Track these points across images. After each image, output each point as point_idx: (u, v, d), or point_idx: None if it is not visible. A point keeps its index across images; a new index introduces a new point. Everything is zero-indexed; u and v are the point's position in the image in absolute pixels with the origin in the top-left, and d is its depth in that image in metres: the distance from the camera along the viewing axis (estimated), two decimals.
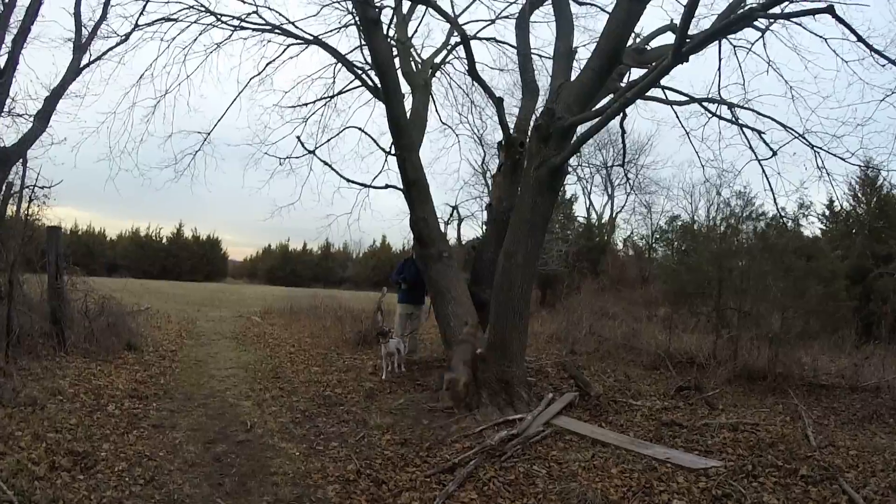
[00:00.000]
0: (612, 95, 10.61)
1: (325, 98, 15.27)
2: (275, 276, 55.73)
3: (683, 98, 11.96)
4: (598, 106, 9.37)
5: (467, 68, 10.30)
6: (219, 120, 14.14)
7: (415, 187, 10.47)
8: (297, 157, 13.62)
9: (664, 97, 11.87)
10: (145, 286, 31.24)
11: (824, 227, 24.74)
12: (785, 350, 12.30)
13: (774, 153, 11.37)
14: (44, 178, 12.40)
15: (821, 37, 10.42)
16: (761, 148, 11.82)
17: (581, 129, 9.47)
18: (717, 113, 12.16)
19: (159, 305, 21.54)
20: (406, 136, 10.55)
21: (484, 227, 22.53)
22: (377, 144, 12.46)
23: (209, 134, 14.11)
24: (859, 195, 22.60)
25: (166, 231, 55.13)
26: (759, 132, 11.40)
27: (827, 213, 24.10)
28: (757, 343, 13.08)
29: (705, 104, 11.98)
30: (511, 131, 11.26)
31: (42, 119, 13.56)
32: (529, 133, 9.62)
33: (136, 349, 12.56)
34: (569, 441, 7.76)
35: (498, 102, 10.55)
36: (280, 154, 13.77)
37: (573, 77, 10.03)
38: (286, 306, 22.66)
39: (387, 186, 11.51)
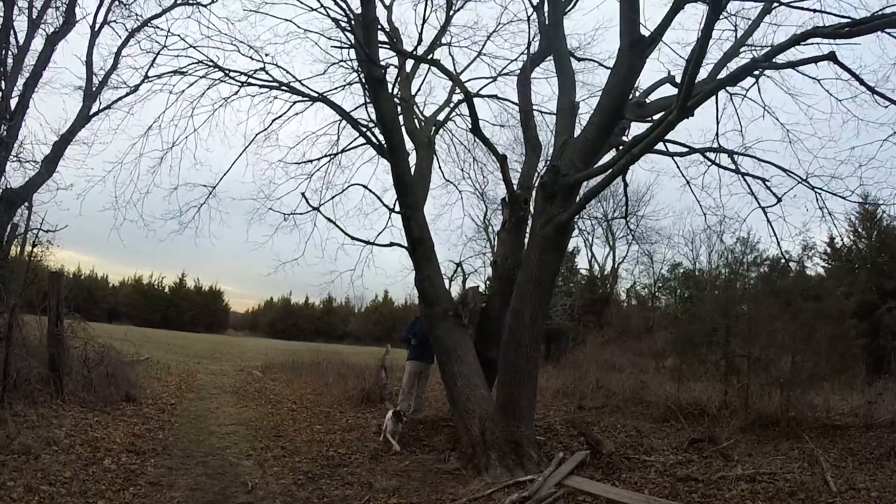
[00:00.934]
0: (614, 150, 10.77)
1: (329, 155, 15.35)
2: (276, 329, 55.68)
3: (684, 149, 11.98)
4: (601, 162, 9.50)
5: (470, 126, 10.23)
6: (224, 174, 14.11)
7: (420, 246, 10.31)
8: (301, 214, 13.56)
9: (665, 149, 11.82)
10: (146, 335, 30.84)
11: (827, 265, 24.52)
12: (796, 393, 12.04)
13: (779, 199, 11.25)
14: (48, 223, 12.23)
15: (814, 78, 10.61)
16: (762, 193, 11.77)
17: (586, 184, 9.37)
18: (718, 162, 12.15)
19: (159, 356, 21.20)
20: (411, 195, 10.42)
21: (487, 283, 22.36)
22: (381, 202, 12.41)
23: (214, 188, 14.07)
24: (859, 230, 22.50)
25: (169, 280, 55.65)
26: (763, 179, 11.31)
27: (829, 250, 23.87)
28: (768, 389, 12.83)
29: (706, 154, 11.96)
30: (514, 188, 11.05)
31: (49, 164, 13.58)
32: (534, 191, 9.54)
33: (135, 401, 12.23)
34: (582, 502, 7.43)
35: (501, 160, 10.42)
36: (284, 209, 13.73)
37: (577, 133, 10.05)
38: (288, 361, 22.35)
39: (391, 244, 11.39)
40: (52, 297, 11.06)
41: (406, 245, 10.84)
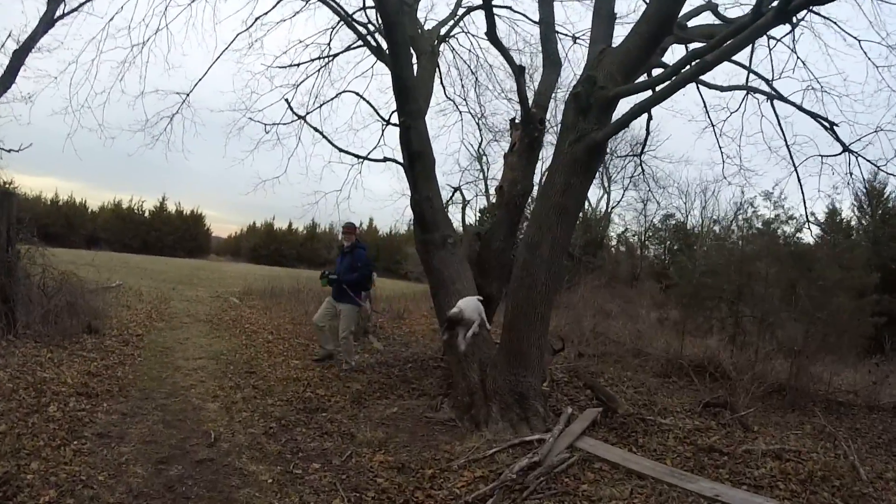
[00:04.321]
0: (644, 76, 9.38)
1: (320, 59, 13.87)
2: (258, 254, 54.76)
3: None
4: (640, 79, 8.35)
5: (486, 31, 8.84)
6: (200, 79, 12.79)
7: (420, 161, 8.98)
8: (285, 124, 12.33)
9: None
10: (123, 260, 29.72)
11: (824, 236, 23.96)
12: (805, 364, 11.53)
13: (846, 148, 10.22)
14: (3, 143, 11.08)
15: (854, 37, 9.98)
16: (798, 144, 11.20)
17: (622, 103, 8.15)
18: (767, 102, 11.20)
19: (133, 282, 20.15)
20: (413, 101, 9.02)
21: (479, 215, 21.20)
22: (376, 112, 11.04)
23: (188, 95, 12.74)
24: (865, 206, 22.20)
25: (149, 204, 54.14)
26: (833, 123, 10.16)
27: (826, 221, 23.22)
28: (773, 355, 12.44)
29: (754, 92, 11.08)
30: (530, 105, 9.83)
31: (8, 75, 12.59)
32: (566, 103, 8.22)
33: (98, 332, 11.26)
34: (599, 471, 6.48)
35: (519, 71, 9.14)
36: (267, 123, 12.41)
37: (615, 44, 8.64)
38: (267, 287, 21.12)
39: (385, 160, 10.09)
40: (2, 219, 9.89)
41: (402, 161, 9.58)
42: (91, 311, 12.00)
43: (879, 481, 6.74)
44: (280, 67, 13.48)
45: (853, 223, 22.73)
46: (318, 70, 13.75)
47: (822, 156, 10.70)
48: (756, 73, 10.66)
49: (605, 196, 37.51)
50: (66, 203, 51.05)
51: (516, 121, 11.18)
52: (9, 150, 12.70)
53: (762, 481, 6.44)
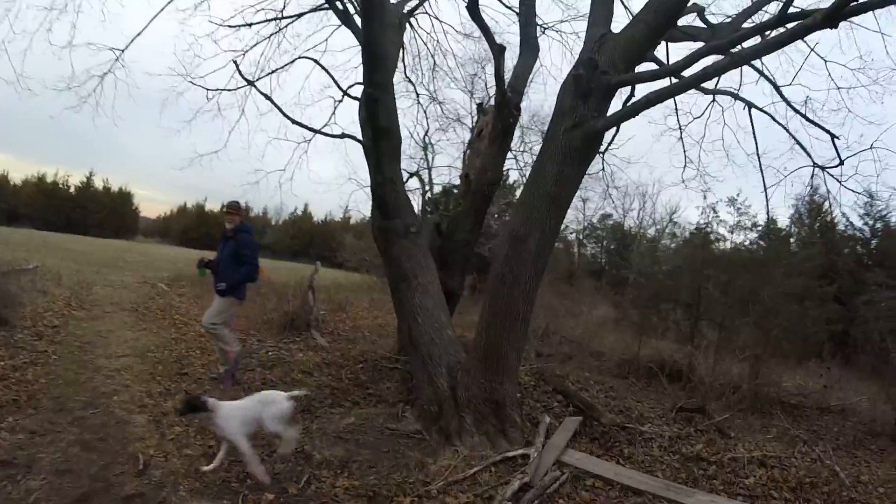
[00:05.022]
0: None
1: (275, 20, 12.34)
2: (189, 237, 53.63)
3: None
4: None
5: (468, 5, 7.96)
6: (138, 34, 11.24)
7: (386, 138, 7.85)
8: (230, 90, 11.04)
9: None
10: (44, 239, 27.90)
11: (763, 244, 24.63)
12: (765, 368, 11.74)
13: (842, 162, 9.63)
14: None
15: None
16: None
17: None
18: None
19: (53, 264, 18.53)
20: (383, 71, 7.88)
21: (423, 205, 20.28)
22: (334, 81, 9.77)
23: (123, 52, 11.27)
24: (804, 218, 23.20)
25: (75, 180, 52.92)
26: (833, 135, 9.50)
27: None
28: (726, 357, 12.40)
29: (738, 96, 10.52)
30: (506, 89, 8.99)
31: None
32: (562, 86, 7.37)
33: (7, 324, 9.92)
34: (594, 489, 5.98)
35: (499, 51, 8.25)
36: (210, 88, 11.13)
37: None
38: (195, 273, 19.61)
39: (343, 135, 8.95)
40: None
41: (361, 138, 8.54)
42: (0, 299, 10.68)
43: (860, 485, 7.07)
44: (230, 26, 12.04)
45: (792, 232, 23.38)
46: (270, 36, 12.36)
47: (819, 166, 10.26)
48: (767, 77, 10.08)
49: None
50: None
51: (485, 105, 10.81)
52: None
53: (755, 490, 6.49)
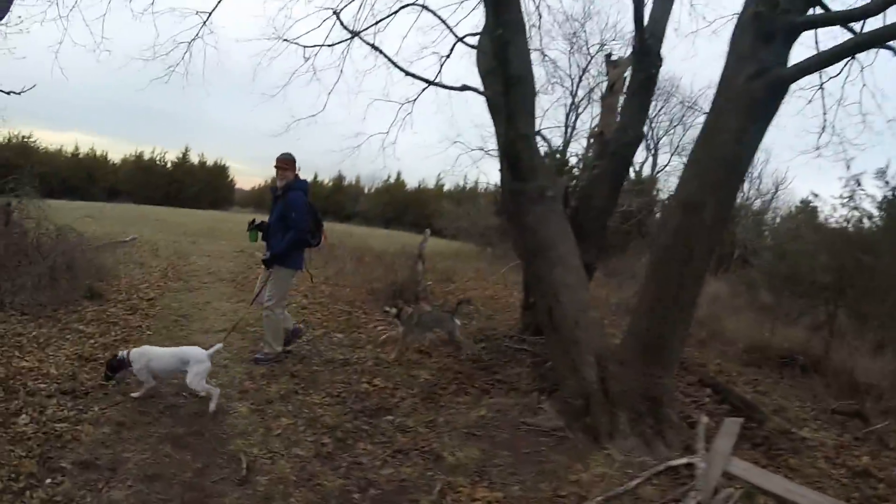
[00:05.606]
0: None
1: None
2: None
3: None
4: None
5: None
6: None
7: (519, 87, 6.66)
8: (330, 45, 10.02)
9: None
10: (141, 213, 27.84)
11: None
12: None
13: None
14: None
15: None
16: None
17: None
18: None
19: (150, 235, 18.21)
20: (514, 9, 6.72)
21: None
22: (447, 26, 8.70)
23: (210, 14, 10.44)
24: None
25: (171, 156, 52.88)
26: None
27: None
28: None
29: None
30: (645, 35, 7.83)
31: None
32: (736, 27, 6.14)
33: (101, 298, 9.40)
34: None
35: None
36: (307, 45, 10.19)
37: None
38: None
39: (464, 88, 7.84)
40: None
41: (483, 90, 7.41)
42: (94, 272, 10.28)
43: None
44: None
45: None
46: None
47: None
48: None
49: (652, 160, 35.25)
50: (86, 156, 50.06)
51: (613, 57, 9.82)
52: (8, 93, 11.13)
53: None
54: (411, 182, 55.83)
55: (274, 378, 6.75)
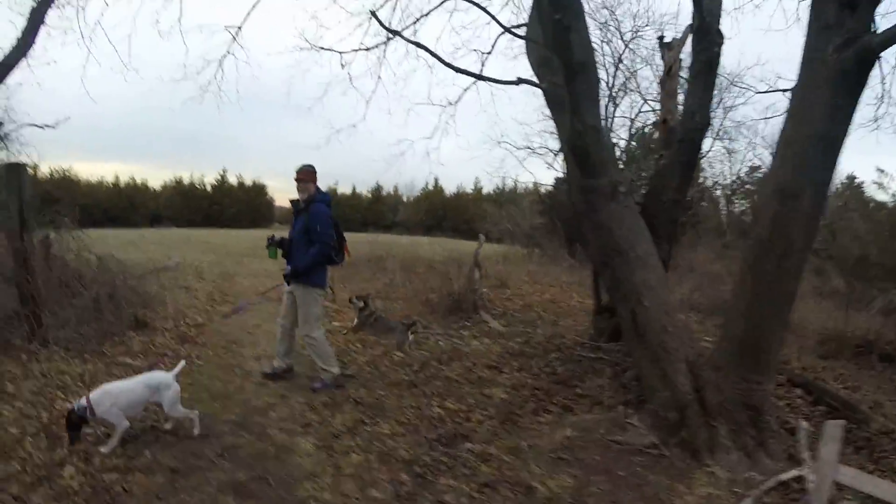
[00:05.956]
0: None
1: None
2: None
3: None
4: None
5: None
6: (253, 6, 10.05)
7: (581, 75, 6.02)
8: (367, 49, 9.57)
9: None
10: (183, 236, 27.83)
11: None
12: None
13: None
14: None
15: None
16: None
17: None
18: None
19: (194, 258, 17.97)
20: None
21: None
22: (492, 17, 8.09)
23: (240, 28, 10.14)
24: None
25: (210, 179, 54.95)
26: None
27: None
28: None
29: None
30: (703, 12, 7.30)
31: (27, 36, 10.61)
32: None
33: (147, 326, 9.00)
34: None
35: None
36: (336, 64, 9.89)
37: None
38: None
39: (520, 81, 7.26)
40: (12, 199, 7.47)
41: (539, 82, 6.84)
42: (139, 300, 9.91)
43: None
44: None
45: None
46: None
47: None
48: None
49: None
50: (126, 185, 51.72)
51: (666, 40, 9.53)
52: (42, 127, 11.64)
53: None
54: (449, 187, 56.79)
55: (337, 407, 6.23)
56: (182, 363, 5.77)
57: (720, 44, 7.51)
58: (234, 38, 10.24)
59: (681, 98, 9.43)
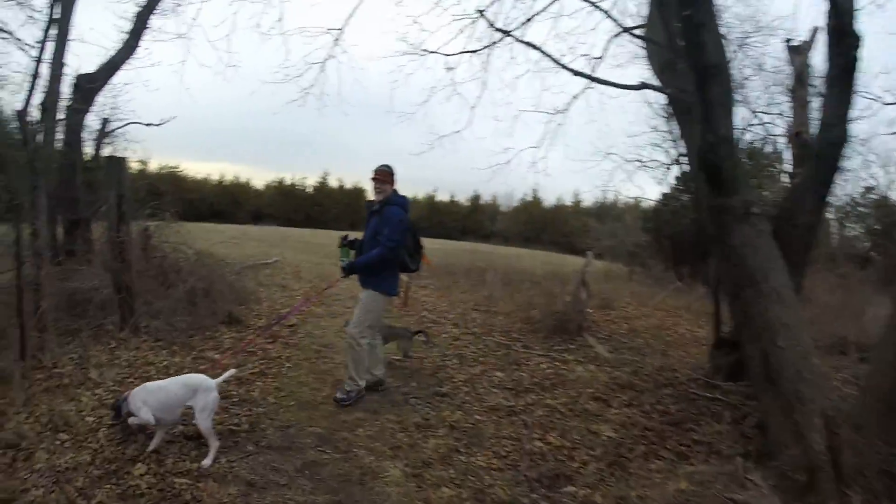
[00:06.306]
0: None
1: None
2: (421, 227, 53.58)
3: None
4: None
5: None
6: (355, 9, 10.02)
7: (716, 80, 5.50)
8: (472, 51, 9.31)
9: None
10: (283, 234, 28.12)
11: None
12: None
13: None
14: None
15: None
16: None
17: None
18: None
19: (294, 257, 17.99)
20: None
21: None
22: (611, 18, 7.58)
23: (341, 31, 10.25)
24: None
25: (311, 181, 56.93)
26: None
27: None
28: None
29: None
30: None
31: (133, 38, 11.20)
32: None
33: (240, 323, 8.91)
34: None
35: None
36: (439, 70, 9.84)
37: None
38: (441, 262, 18.03)
39: (643, 86, 6.72)
40: (111, 190, 7.63)
41: (663, 87, 6.29)
42: (234, 296, 9.83)
43: None
44: None
45: None
46: None
47: None
48: None
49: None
50: (231, 183, 54.58)
51: (792, 42, 9.13)
52: (148, 125, 12.12)
53: None
54: (548, 199, 56.23)
55: (430, 430, 5.76)
56: (232, 371, 5.46)
57: (857, 46, 6.73)
58: (336, 41, 10.23)
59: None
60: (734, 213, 5.58)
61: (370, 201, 6.74)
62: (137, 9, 11.16)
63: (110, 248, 7.63)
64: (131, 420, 4.78)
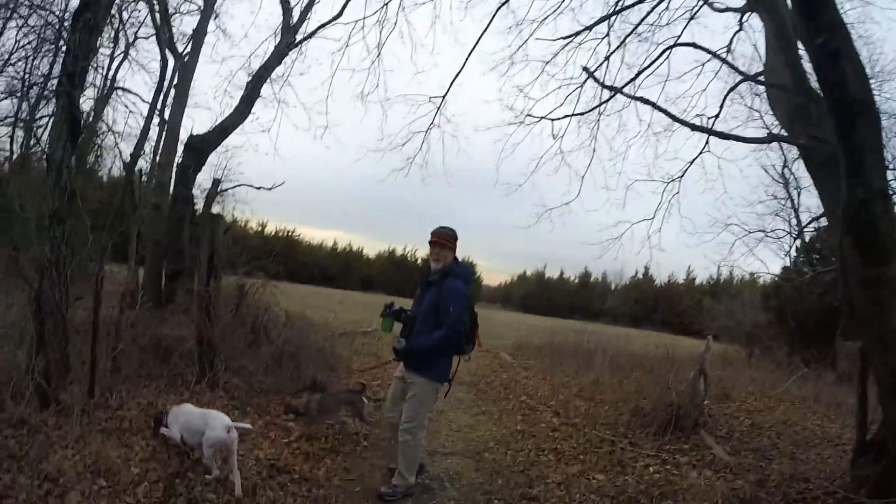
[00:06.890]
0: None
1: (611, 15, 9.52)
2: (529, 303, 56.21)
3: None
4: None
5: None
6: (456, 75, 10.42)
7: (862, 120, 4.49)
8: (579, 114, 8.95)
9: None
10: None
11: None
12: None
13: None
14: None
15: None
16: None
17: None
18: None
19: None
20: (833, 5, 4.58)
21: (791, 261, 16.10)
22: (725, 63, 6.90)
23: (444, 98, 10.62)
24: None
25: (421, 253, 57.67)
26: None
27: None
28: None
29: None
30: None
31: (244, 105, 11.86)
32: None
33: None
34: None
35: None
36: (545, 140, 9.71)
37: None
38: (545, 342, 17.33)
39: (772, 138, 5.92)
40: (204, 246, 7.97)
41: (792, 137, 5.51)
42: (324, 362, 9.50)
43: None
44: (564, 38, 9.66)
45: None
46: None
47: None
48: None
49: None
50: (343, 250, 57.87)
51: None
52: (258, 188, 13.07)
53: None
54: (660, 276, 55.35)
55: None
56: (247, 426, 5.71)
57: None
58: (438, 109, 10.29)
59: None
60: (893, 286, 4.57)
61: (427, 268, 6.06)
62: (248, 79, 11.83)
63: (197, 301, 7.69)
64: (163, 430, 5.31)
